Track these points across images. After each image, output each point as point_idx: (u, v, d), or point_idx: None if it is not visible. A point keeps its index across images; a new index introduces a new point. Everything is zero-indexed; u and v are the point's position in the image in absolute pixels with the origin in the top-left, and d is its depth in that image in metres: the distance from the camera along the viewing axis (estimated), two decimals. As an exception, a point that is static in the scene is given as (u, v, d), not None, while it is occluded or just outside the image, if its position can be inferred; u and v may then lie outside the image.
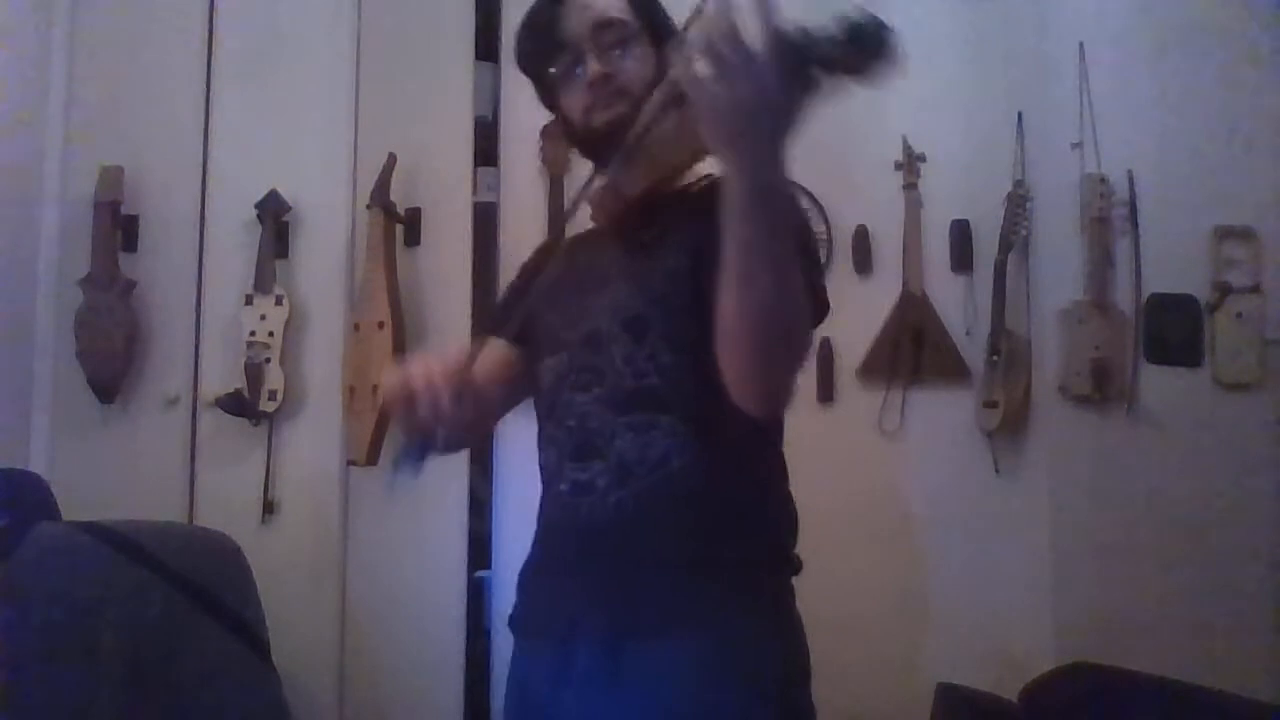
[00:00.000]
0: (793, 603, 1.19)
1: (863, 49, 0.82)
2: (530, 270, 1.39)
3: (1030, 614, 2.22)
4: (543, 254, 1.43)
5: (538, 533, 1.26)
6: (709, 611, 1.12)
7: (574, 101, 1.23)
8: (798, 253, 0.98)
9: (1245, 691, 1.85)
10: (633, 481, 1.13)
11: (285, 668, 2.13)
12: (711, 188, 1.17)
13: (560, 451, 1.20)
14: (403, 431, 1.10)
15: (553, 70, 1.24)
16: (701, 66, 0.86)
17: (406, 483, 1.06)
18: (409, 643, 2.37)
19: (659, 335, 1.15)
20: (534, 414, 1.29)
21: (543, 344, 1.26)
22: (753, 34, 0.84)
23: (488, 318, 1.35)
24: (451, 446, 1.26)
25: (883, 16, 0.85)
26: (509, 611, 1.28)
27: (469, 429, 1.24)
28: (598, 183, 1.22)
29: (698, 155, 1.11)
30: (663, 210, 1.20)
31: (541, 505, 1.25)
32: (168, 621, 1.94)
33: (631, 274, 1.20)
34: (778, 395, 1.07)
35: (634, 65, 1.21)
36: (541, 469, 1.25)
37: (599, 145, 1.21)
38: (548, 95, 1.29)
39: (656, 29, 1.25)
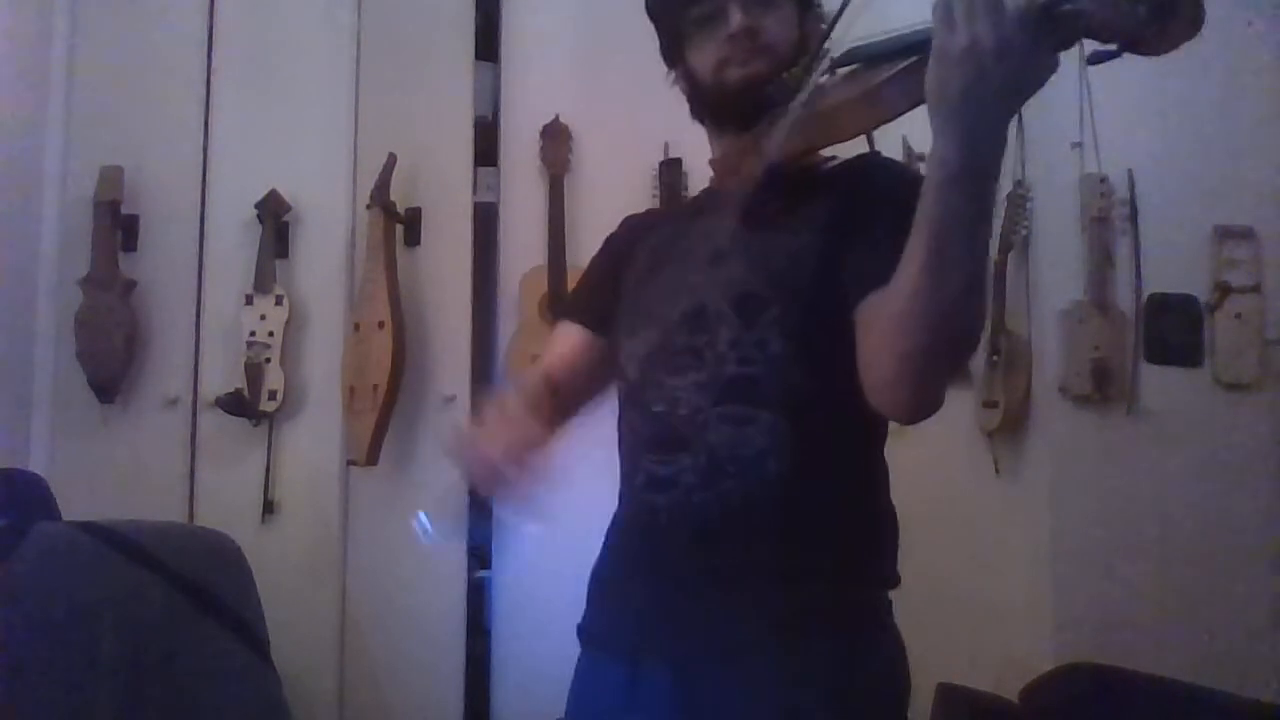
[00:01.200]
0: (891, 620, 1.09)
1: (1155, 13, 0.72)
2: (617, 245, 1.29)
3: (1030, 614, 2.22)
4: (631, 228, 1.31)
5: (611, 529, 1.17)
6: (797, 636, 1.02)
7: (706, 54, 1.13)
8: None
9: (1245, 691, 1.84)
10: (722, 480, 1.03)
11: (285, 668, 2.13)
12: (845, 168, 1.11)
13: (638, 439, 1.10)
14: (472, 493, 1.04)
15: (687, 18, 1.14)
16: (951, 7, 0.79)
17: (448, 537, 1.03)
18: (409, 643, 2.37)
19: (773, 319, 1.04)
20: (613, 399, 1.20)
21: (631, 321, 1.16)
22: None
23: (567, 300, 1.28)
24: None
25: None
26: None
27: (554, 429, 1.17)
28: (736, 142, 1.13)
29: (878, 124, 0.99)
30: (791, 186, 1.08)
31: (620, 499, 1.15)
32: (168, 621, 1.94)
33: (750, 249, 1.08)
34: (930, 403, 0.96)
35: (779, 23, 1.12)
36: (620, 459, 1.15)
37: (727, 103, 1.12)
38: (673, 45, 1.19)
39: None
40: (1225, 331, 2.19)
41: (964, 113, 0.80)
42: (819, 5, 1.19)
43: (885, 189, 0.98)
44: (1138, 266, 2.23)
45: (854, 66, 1.01)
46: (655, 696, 1.04)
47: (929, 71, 0.81)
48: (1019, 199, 2.29)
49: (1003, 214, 2.30)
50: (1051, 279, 2.30)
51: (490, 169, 2.51)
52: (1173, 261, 2.23)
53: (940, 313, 0.87)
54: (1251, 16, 2.18)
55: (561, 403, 1.18)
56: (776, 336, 1.04)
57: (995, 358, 2.29)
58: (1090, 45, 0.78)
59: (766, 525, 1.03)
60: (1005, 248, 2.29)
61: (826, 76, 1.02)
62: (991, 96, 0.79)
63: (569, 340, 1.23)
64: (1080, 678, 1.96)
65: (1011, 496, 2.31)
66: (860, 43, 1.00)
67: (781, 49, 1.11)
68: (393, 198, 2.41)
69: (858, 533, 1.08)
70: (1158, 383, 2.21)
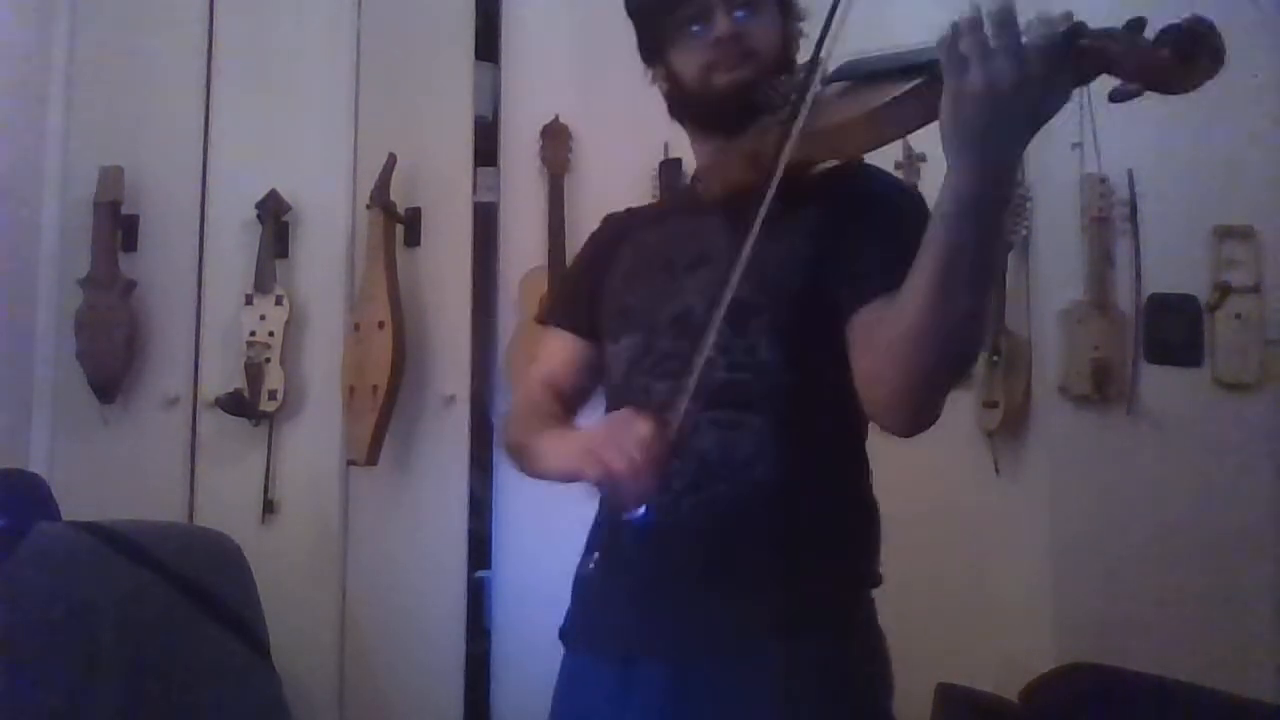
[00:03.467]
0: (873, 617, 1.11)
1: (1178, 53, 0.72)
2: (599, 245, 1.29)
3: (1030, 614, 2.22)
4: (614, 226, 1.31)
5: (595, 532, 1.17)
6: (784, 631, 1.03)
7: (690, 58, 1.13)
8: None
9: (1245, 691, 1.85)
10: (712, 485, 1.05)
11: (285, 668, 2.13)
12: (834, 175, 1.10)
13: None
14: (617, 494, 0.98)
15: (671, 20, 1.14)
16: (966, 44, 0.78)
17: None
18: (409, 643, 2.36)
19: (764, 327, 1.06)
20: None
21: (617, 325, 1.17)
22: (1032, 25, 0.77)
23: (553, 302, 1.29)
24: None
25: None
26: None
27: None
28: (721, 149, 1.13)
29: (882, 143, 0.99)
30: (779, 191, 1.04)
31: (602, 503, 1.16)
32: (168, 621, 1.94)
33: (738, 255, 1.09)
34: (929, 419, 0.97)
35: (764, 29, 1.13)
36: None
37: (714, 108, 1.13)
38: (653, 46, 1.19)
39: None
40: (1225, 331, 2.19)
41: (980, 148, 0.80)
42: (802, 12, 1.20)
43: (878, 199, 0.99)
44: (1138, 266, 2.23)
45: (848, 83, 1.01)
46: (650, 696, 1.05)
47: (944, 108, 0.81)
48: (1019, 199, 2.29)
49: (1003, 214, 2.30)
50: (1051, 279, 2.30)
51: (490, 169, 2.51)
52: (1173, 261, 2.23)
53: (948, 334, 0.89)
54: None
55: (568, 408, 1.21)
56: (766, 344, 1.06)
57: (995, 358, 2.29)
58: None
59: (756, 529, 1.05)
60: (1005, 248, 2.29)
61: (821, 89, 1.02)
62: (1007, 132, 0.80)
63: (564, 349, 1.25)
64: (1080, 678, 1.96)
65: (1011, 496, 2.30)
66: (857, 58, 1.01)
67: (766, 54, 1.12)
68: (393, 198, 2.41)
69: (843, 534, 1.09)
70: (1158, 383, 2.21)
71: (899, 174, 2.38)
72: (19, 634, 1.79)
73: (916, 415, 0.97)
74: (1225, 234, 2.21)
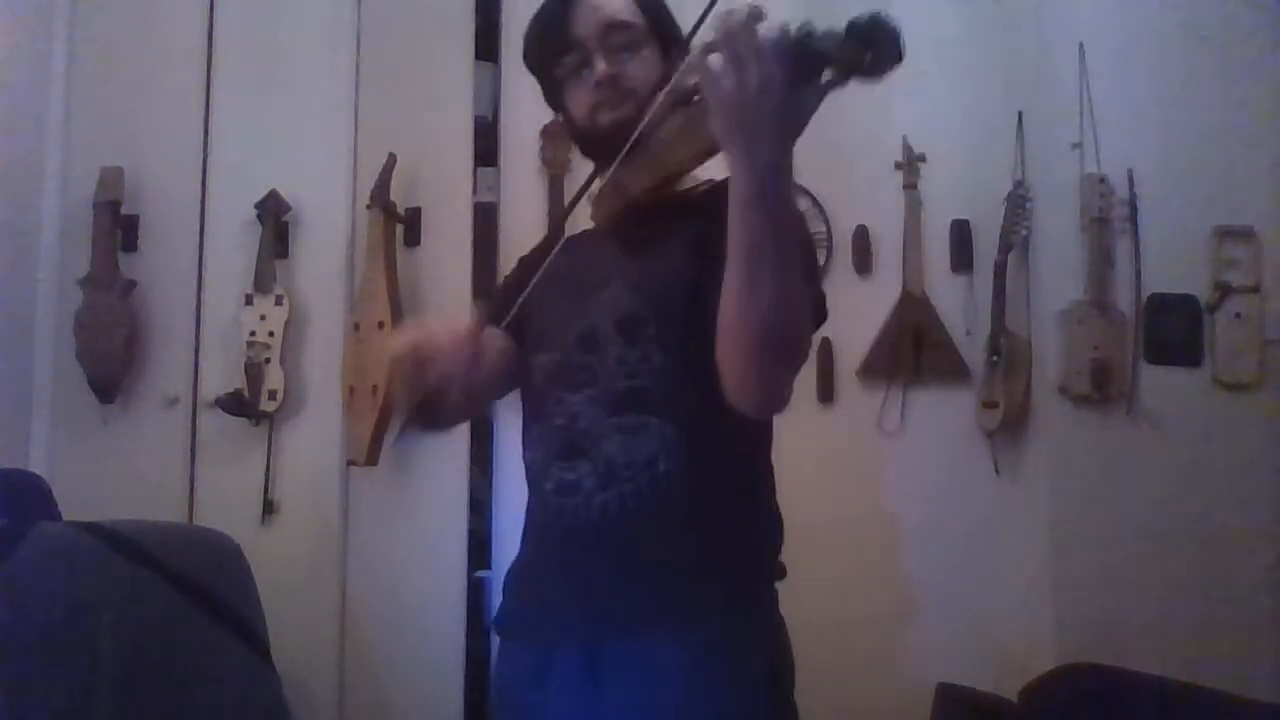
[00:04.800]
0: (776, 607, 1.20)
1: (866, 46, 0.82)
2: (530, 263, 1.39)
3: (1030, 614, 2.22)
4: (543, 248, 1.41)
5: (525, 533, 1.26)
6: (689, 613, 1.12)
7: (579, 100, 1.24)
8: (800, 256, 0.98)
9: (1245, 691, 1.85)
10: (619, 483, 1.14)
11: (285, 668, 2.13)
12: (713, 191, 1.19)
13: (548, 450, 1.20)
14: (411, 393, 1.12)
15: (559, 69, 1.25)
16: (714, 57, 0.87)
17: (412, 440, 1.07)
18: (409, 643, 2.36)
19: (652, 336, 1.16)
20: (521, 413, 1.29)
21: (536, 340, 1.26)
22: (764, 31, 0.86)
23: (486, 305, 1.36)
24: (446, 422, 1.31)
25: (883, 16, 0.85)
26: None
27: (464, 408, 1.26)
28: (600, 181, 1.22)
29: (704, 155, 1.10)
30: (663, 211, 1.19)
31: (529, 505, 1.25)
32: (168, 621, 1.94)
33: (629, 273, 1.20)
34: (774, 398, 1.07)
35: (641, 67, 1.22)
36: (528, 468, 1.25)
37: (603, 145, 1.22)
38: (552, 93, 1.31)
39: (664, 33, 1.26)
40: (1225, 331, 2.19)
41: (746, 146, 0.89)
42: (684, 45, 1.25)
43: None
44: (1138, 266, 2.23)
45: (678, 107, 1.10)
46: (564, 673, 1.14)
47: (711, 114, 0.90)
48: (1019, 199, 2.30)
49: (1003, 214, 2.30)
50: (1051, 279, 2.30)
51: (490, 169, 2.51)
52: (1173, 261, 2.24)
53: (760, 322, 0.97)
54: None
55: (478, 392, 1.27)
56: (657, 352, 1.15)
57: (995, 358, 2.30)
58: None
59: (661, 520, 1.13)
60: (1005, 248, 2.30)
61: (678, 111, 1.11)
62: (765, 129, 0.88)
63: (489, 341, 1.29)
64: (1080, 678, 1.96)
65: (1011, 496, 2.31)
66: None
67: (645, 90, 1.20)
68: (393, 198, 2.41)
69: (745, 525, 1.18)
70: (1157, 383, 2.22)
71: (899, 174, 2.39)
72: (19, 634, 1.78)
73: (759, 398, 1.05)
74: (1225, 234, 2.21)
